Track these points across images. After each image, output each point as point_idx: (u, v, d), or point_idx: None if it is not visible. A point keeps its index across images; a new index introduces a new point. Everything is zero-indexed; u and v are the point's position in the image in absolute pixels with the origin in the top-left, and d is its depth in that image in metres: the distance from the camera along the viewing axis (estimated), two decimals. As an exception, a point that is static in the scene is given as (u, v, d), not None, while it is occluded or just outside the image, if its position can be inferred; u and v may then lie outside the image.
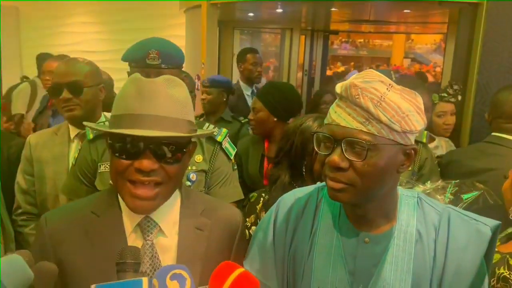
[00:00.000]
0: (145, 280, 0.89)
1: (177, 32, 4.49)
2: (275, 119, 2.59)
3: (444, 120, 2.88)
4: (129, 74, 1.77)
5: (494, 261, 1.24)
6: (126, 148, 1.05)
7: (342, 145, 0.98)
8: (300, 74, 6.45)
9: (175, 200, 1.19)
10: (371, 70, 1.03)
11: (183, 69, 1.90)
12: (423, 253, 1.04)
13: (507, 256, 1.33)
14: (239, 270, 0.92)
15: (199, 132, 1.17)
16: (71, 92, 1.97)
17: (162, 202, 1.12)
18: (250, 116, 2.67)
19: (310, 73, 6.85)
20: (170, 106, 1.06)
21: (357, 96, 0.97)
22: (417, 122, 1.00)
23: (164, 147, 1.05)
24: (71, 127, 2.10)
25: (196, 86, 3.64)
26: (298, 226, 1.15)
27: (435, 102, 2.86)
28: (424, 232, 1.06)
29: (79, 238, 1.12)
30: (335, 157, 0.99)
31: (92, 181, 1.73)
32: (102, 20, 5.13)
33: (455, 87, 2.83)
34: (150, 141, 1.04)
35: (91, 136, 1.75)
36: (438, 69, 10.34)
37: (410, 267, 1.04)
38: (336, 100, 1.03)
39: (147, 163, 1.04)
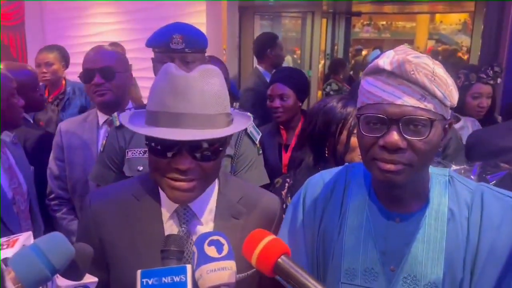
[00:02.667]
0: (189, 267, 0.92)
1: (197, 20, 4.47)
2: (300, 104, 2.58)
3: (479, 102, 2.77)
4: (154, 60, 1.79)
5: None
6: (162, 147, 1.04)
7: (400, 125, 0.95)
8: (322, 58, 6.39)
9: (213, 187, 1.19)
10: (405, 45, 1.00)
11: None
12: (456, 232, 1.02)
13: None
14: (270, 237, 0.93)
15: (234, 128, 1.12)
16: (103, 77, 2.00)
17: (201, 193, 1.12)
18: (276, 104, 2.58)
19: (332, 56, 6.77)
20: (205, 102, 1.03)
21: (412, 72, 0.93)
22: (456, 96, 0.99)
23: (201, 146, 1.04)
24: (99, 114, 2.13)
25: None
26: (327, 207, 1.15)
27: (472, 82, 2.76)
28: (457, 211, 1.04)
29: (120, 220, 1.15)
30: (395, 137, 0.94)
31: (120, 168, 1.75)
32: (123, 10, 5.14)
33: (496, 69, 2.71)
34: (187, 141, 1.03)
35: (117, 123, 1.77)
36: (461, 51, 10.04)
37: (443, 246, 1.02)
38: (378, 77, 0.97)
39: (184, 163, 1.03)
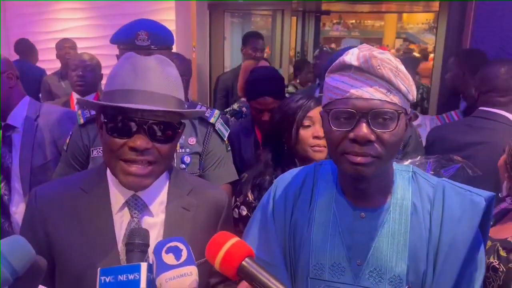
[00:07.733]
0: (143, 265, 0.91)
1: (166, 16, 4.42)
2: None
3: None
4: (118, 57, 1.75)
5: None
6: (119, 126, 1.05)
7: (368, 118, 0.96)
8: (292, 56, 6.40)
9: (164, 179, 1.21)
10: (365, 44, 1.02)
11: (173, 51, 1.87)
12: (419, 226, 1.05)
13: (498, 245, 1.32)
14: (233, 240, 0.92)
15: (190, 110, 1.18)
16: None
17: (154, 179, 1.13)
18: (266, 117, 2.41)
19: (302, 54, 6.82)
20: (163, 83, 1.08)
21: (379, 67, 0.96)
22: (415, 92, 1.03)
23: (157, 125, 1.06)
24: None
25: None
26: (297, 204, 1.15)
27: None
28: (420, 205, 1.06)
29: (67, 214, 1.14)
30: (364, 130, 0.96)
31: (85, 167, 1.71)
32: (90, 5, 5.01)
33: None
34: (144, 119, 1.04)
35: (81, 121, 1.72)
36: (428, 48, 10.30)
37: (407, 239, 1.04)
38: (344, 74, 0.99)
39: (141, 142, 1.04)
